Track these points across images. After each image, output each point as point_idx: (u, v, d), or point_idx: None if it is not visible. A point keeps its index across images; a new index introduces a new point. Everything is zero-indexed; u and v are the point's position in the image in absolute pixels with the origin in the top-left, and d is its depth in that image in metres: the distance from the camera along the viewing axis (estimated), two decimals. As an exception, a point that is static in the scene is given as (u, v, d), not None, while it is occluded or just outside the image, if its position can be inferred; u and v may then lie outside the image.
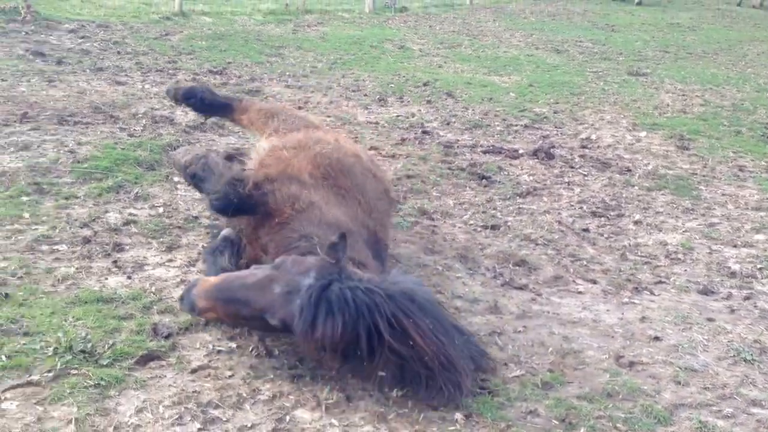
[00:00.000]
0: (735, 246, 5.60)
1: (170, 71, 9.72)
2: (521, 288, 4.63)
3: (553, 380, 3.55)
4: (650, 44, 15.76)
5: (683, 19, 20.75)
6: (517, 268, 4.89)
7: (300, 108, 8.66)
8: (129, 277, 4.21)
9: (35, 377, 3.17)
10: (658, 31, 18.17)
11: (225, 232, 4.07)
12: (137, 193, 5.45)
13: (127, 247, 4.59)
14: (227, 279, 3.32)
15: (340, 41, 13.55)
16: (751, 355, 3.98)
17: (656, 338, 4.10)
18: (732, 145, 8.29)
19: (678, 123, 9.06)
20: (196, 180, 4.04)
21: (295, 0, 17.13)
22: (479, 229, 5.56)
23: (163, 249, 4.63)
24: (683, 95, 10.73)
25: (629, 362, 3.80)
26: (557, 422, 3.23)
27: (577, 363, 3.75)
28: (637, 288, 4.76)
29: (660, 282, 4.88)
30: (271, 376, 3.38)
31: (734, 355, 3.97)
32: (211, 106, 5.77)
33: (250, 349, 3.57)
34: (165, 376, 3.32)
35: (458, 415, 3.13)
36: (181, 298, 3.43)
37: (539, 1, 23.32)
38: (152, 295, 4.02)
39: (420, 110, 9.03)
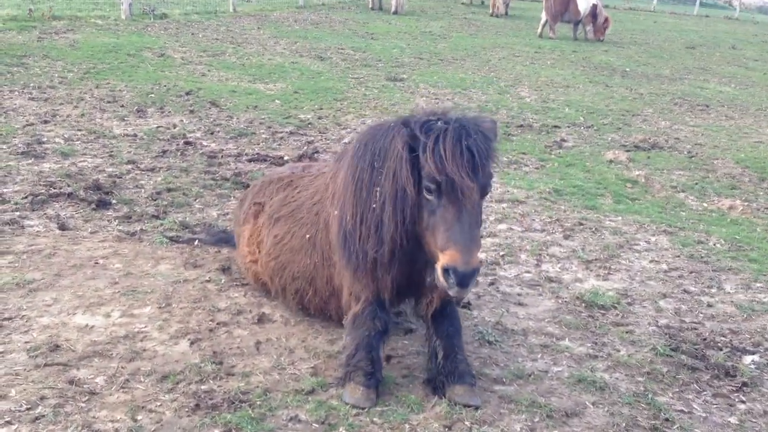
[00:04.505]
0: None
1: None
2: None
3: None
4: (406, 51, 16.64)
5: (435, 28, 22.15)
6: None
7: (46, 122, 8.02)
8: None
9: None
10: (413, 39, 19.24)
11: None
12: None
13: None
14: None
15: (93, 49, 12.74)
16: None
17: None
18: (479, 143, 9.01)
19: (432, 125, 9.65)
20: None
21: (40, 6, 15.82)
22: (244, 239, 5.51)
23: None
24: (436, 98, 11.48)
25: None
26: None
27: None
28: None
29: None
30: (7, 419, 3.08)
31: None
32: None
33: (-15, 392, 3.23)
34: None
35: (216, 432, 3.07)
36: None
37: (303, 9, 23.69)
38: None
39: (182, 120, 8.77)
